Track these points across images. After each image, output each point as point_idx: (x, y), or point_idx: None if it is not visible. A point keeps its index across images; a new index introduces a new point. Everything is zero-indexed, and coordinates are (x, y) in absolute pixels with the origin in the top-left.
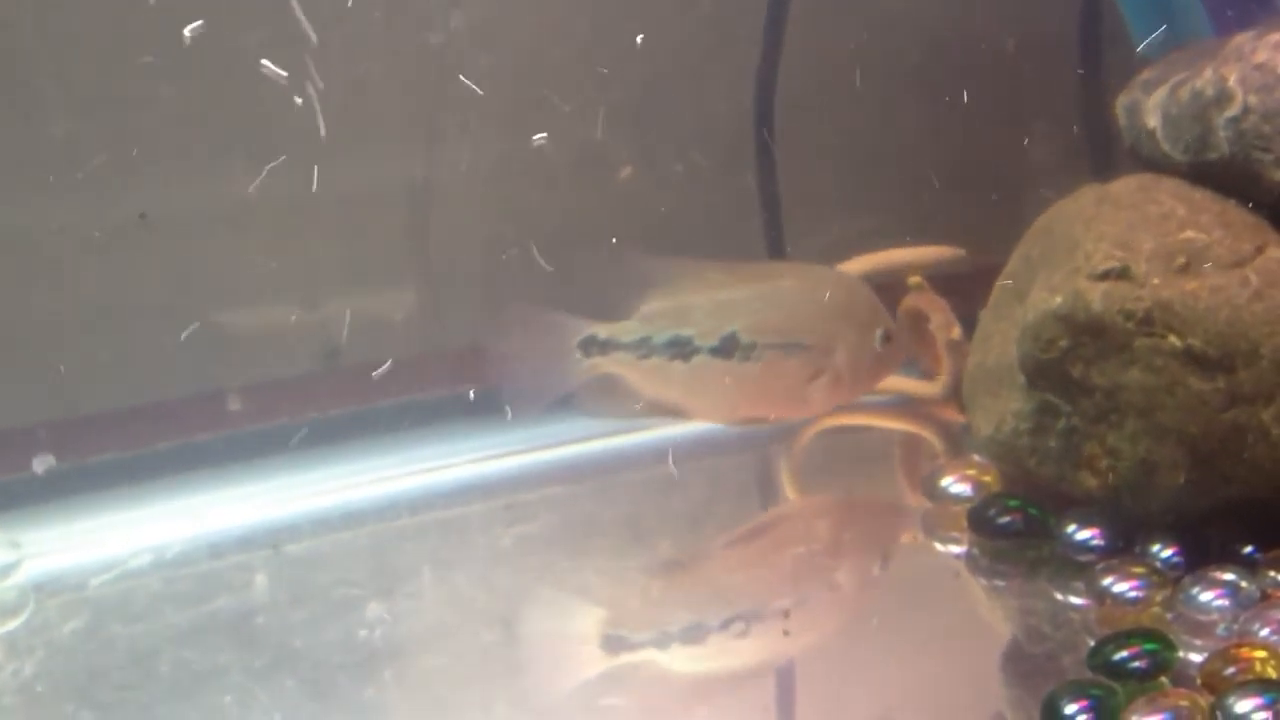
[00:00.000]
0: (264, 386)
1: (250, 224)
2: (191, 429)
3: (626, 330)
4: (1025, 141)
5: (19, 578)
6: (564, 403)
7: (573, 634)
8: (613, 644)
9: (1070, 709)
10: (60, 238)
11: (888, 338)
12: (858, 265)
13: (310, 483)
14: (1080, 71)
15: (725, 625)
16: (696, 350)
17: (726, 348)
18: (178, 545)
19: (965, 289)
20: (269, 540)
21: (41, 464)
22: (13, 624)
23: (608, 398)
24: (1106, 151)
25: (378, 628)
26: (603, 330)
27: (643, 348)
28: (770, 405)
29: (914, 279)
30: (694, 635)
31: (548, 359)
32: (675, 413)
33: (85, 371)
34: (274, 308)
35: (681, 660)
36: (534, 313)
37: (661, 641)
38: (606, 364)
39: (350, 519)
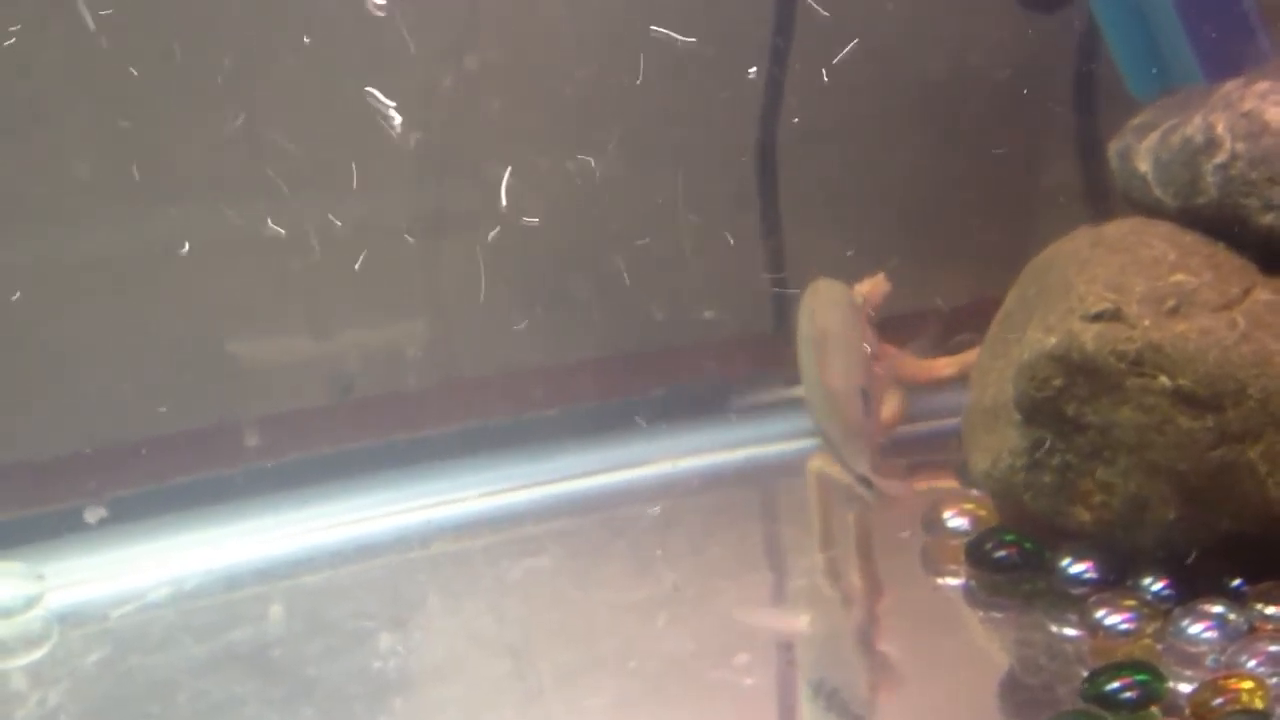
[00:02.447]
0: (278, 419)
1: (267, 256)
2: (209, 462)
3: (866, 457)
4: (1023, 179)
5: (42, 609)
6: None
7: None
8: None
9: None
10: (78, 271)
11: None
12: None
13: (324, 515)
14: (1076, 112)
15: (729, 656)
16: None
17: (866, 403)
18: (195, 578)
19: (965, 321)
20: (286, 572)
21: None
22: (37, 654)
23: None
24: (1102, 190)
25: (391, 658)
26: (864, 468)
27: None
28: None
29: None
30: (699, 665)
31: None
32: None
33: (103, 404)
34: (289, 340)
35: (684, 692)
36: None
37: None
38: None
39: (364, 551)
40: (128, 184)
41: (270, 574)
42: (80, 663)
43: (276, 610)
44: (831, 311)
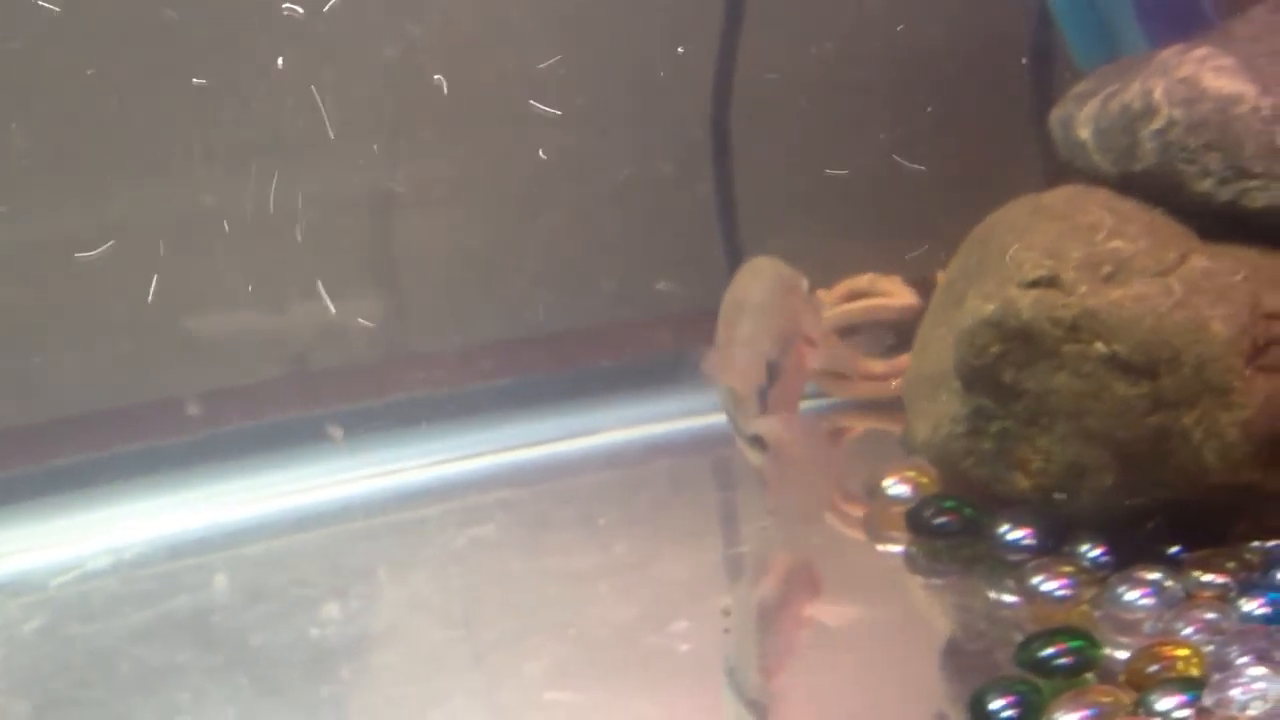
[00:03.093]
0: (224, 391)
1: (217, 231)
2: (151, 432)
3: (756, 416)
4: (980, 150)
5: None
6: None
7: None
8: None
9: (996, 705)
10: (24, 247)
11: (810, 287)
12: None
13: (267, 485)
14: (1031, 81)
15: (668, 623)
16: (765, 392)
17: (773, 374)
18: (136, 547)
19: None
20: (228, 542)
21: (336, 432)
22: None
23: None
24: (1058, 160)
25: (332, 627)
26: (757, 428)
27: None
28: (797, 395)
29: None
30: (637, 632)
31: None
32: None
33: (47, 375)
34: (241, 314)
35: (622, 658)
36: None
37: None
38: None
39: (307, 521)
40: (75, 161)
41: (212, 543)
42: (18, 631)
43: (219, 579)
44: (755, 282)
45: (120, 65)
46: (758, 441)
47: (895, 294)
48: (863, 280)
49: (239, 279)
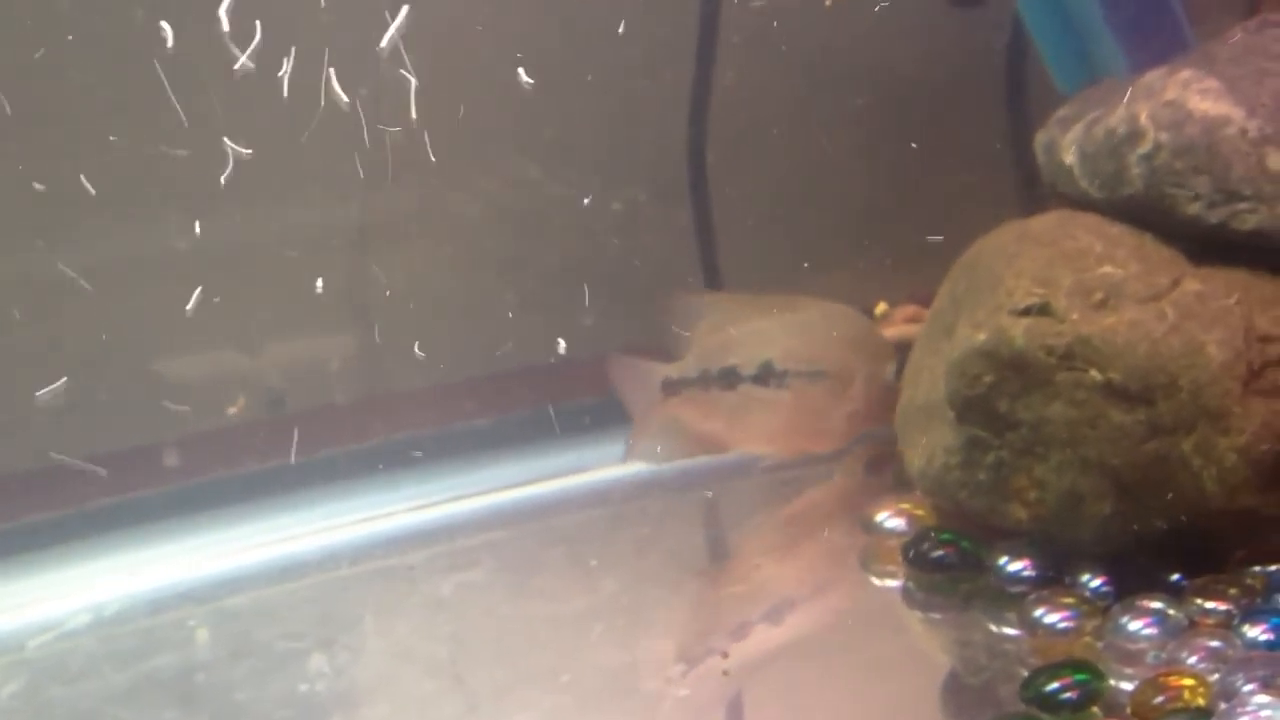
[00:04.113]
0: (200, 437)
1: (190, 273)
2: (128, 484)
3: (689, 366)
4: (955, 177)
5: None
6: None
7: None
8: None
9: None
10: None
11: (899, 372)
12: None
13: (249, 535)
14: (1008, 109)
15: (664, 668)
16: (741, 379)
17: (763, 375)
18: (116, 603)
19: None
20: (211, 594)
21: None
22: None
23: (664, 439)
24: (1034, 186)
25: (320, 680)
26: (673, 370)
27: (703, 381)
28: (801, 435)
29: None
30: (633, 678)
31: (645, 404)
32: (718, 446)
33: (18, 426)
34: (215, 355)
35: (618, 705)
36: (630, 362)
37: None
38: (675, 403)
39: (291, 571)
40: (49, 201)
41: (194, 597)
42: None
43: (201, 634)
44: (836, 320)
45: (93, 102)
46: (670, 385)
47: None
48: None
49: (212, 321)
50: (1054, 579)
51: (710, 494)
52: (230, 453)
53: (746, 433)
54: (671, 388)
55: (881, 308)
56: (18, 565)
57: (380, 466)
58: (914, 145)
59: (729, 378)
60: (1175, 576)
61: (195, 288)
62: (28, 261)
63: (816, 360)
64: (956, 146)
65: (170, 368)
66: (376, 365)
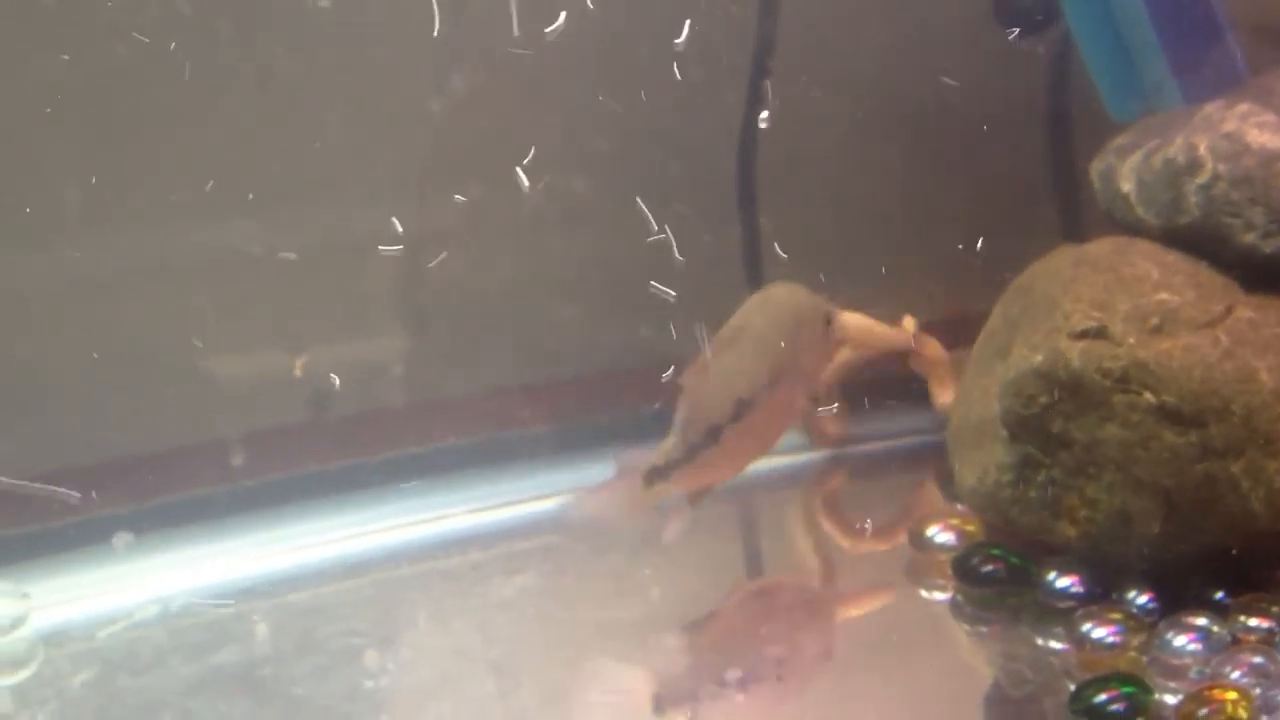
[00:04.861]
0: (262, 436)
1: (246, 274)
2: (196, 480)
3: (676, 447)
4: (999, 197)
5: (28, 630)
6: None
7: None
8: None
9: None
10: (58, 289)
11: (828, 319)
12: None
13: (311, 533)
14: (1052, 133)
15: (719, 673)
16: (722, 429)
17: (739, 412)
18: (183, 596)
19: (948, 338)
20: (274, 590)
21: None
22: (23, 675)
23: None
24: (1075, 210)
25: (380, 677)
26: (658, 457)
27: (691, 452)
28: (775, 434)
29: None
30: (688, 690)
31: (624, 502)
32: (708, 489)
33: (86, 422)
34: (268, 356)
35: (678, 713)
36: (594, 496)
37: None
38: (669, 485)
39: (352, 569)
40: (100, 203)
41: (258, 592)
42: (67, 683)
43: (264, 629)
44: (761, 312)
45: (144, 102)
46: (655, 473)
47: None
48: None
49: (271, 322)
50: (1101, 595)
51: (759, 502)
52: (293, 451)
53: (731, 463)
54: (658, 474)
55: (908, 322)
56: (88, 557)
57: (439, 470)
58: (956, 163)
59: (713, 434)
60: (1219, 594)
61: (254, 286)
62: (96, 259)
63: (773, 368)
64: (999, 170)
65: (222, 367)
66: (435, 368)
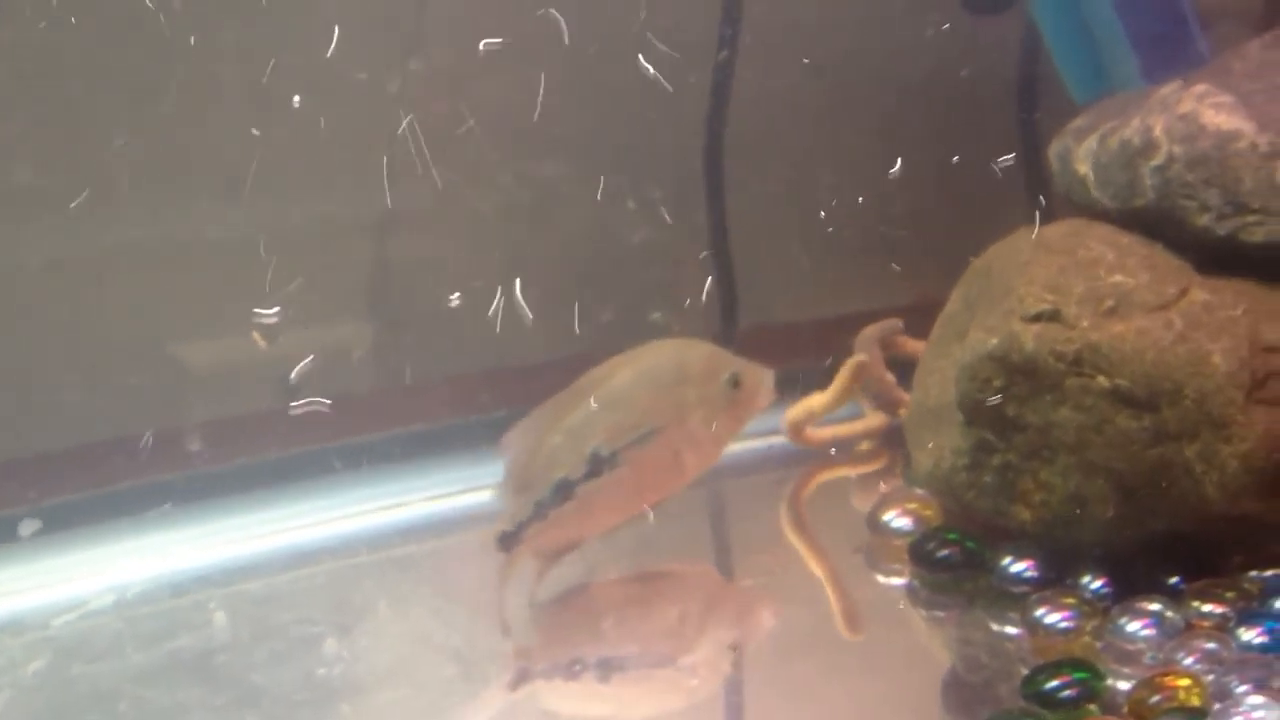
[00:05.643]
0: (221, 424)
1: (211, 259)
2: (151, 468)
3: (521, 508)
4: (966, 181)
5: None
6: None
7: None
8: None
9: None
10: (15, 277)
11: (735, 382)
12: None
13: (268, 520)
14: (1020, 115)
15: (671, 658)
16: (574, 485)
17: (595, 468)
18: (139, 585)
19: (914, 325)
20: (231, 578)
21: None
22: None
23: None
24: (1045, 192)
25: (337, 664)
26: (507, 523)
27: (540, 511)
28: (651, 493)
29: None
30: (644, 666)
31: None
32: (574, 545)
33: (42, 409)
34: (233, 342)
35: (631, 692)
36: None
37: (604, 673)
38: (525, 547)
39: (309, 556)
40: (70, 188)
41: (214, 580)
42: (21, 672)
43: (220, 617)
44: (631, 367)
45: (117, 89)
46: (506, 539)
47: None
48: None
49: (233, 307)
50: (1055, 580)
51: (716, 489)
52: (251, 439)
53: (599, 519)
54: (510, 539)
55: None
56: (43, 546)
57: (398, 456)
58: (923, 147)
59: (563, 490)
60: (1174, 580)
61: (217, 273)
62: (58, 247)
63: (638, 424)
64: (968, 153)
65: (188, 353)
66: (394, 356)
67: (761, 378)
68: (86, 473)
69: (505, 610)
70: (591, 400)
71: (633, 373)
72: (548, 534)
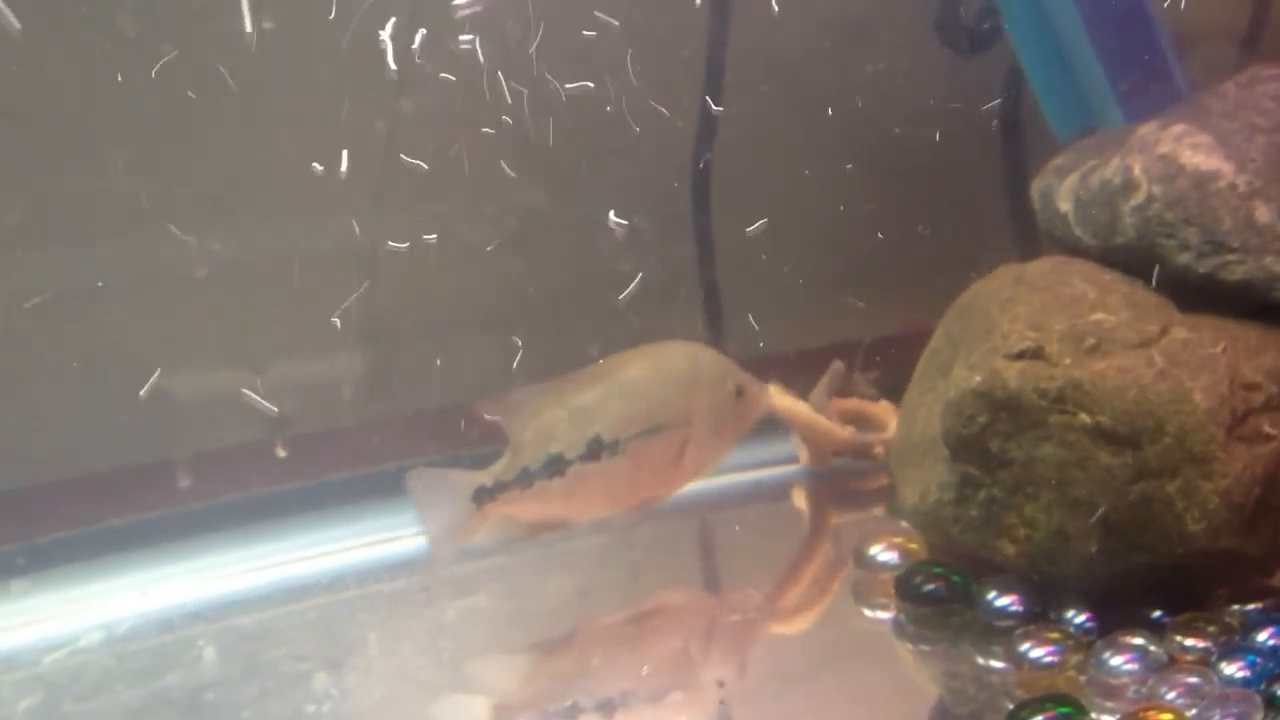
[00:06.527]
0: (211, 458)
1: (200, 291)
2: (140, 504)
3: (508, 469)
4: (951, 218)
5: None
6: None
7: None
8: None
9: None
10: (3, 312)
11: (740, 391)
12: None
13: (258, 556)
14: (1003, 149)
15: (661, 695)
16: (569, 463)
17: (592, 452)
18: (128, 621)
19: (897, 357)
20: (220, 614)
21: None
22: None
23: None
24: (1030, 227)
25: (326, 701)
26: (487, 477)
27: (525, 478)
28: (645, 489)
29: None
30: (633, 704)
31: (451, 516)
32: (560, 525)
33: (32, 444)
34: (223, 375)
35: None
36: (432, 475)
37: (593, 712)
38: (499, 506)
39: (298, 592)
40: (52, 221)
41: (204, 616)
42: (11, 710)
43: (210, 653)
44: (631, 365)
45: (105, 119)
46: (482, 493)
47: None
48: (850, 404)
49: (221, 340)
50: (1040, 614)
51: (705, 520)
52: (240, 474)
53: (585, 505)
54: (486, 495)
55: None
56: (32, 582)
57: (388, 490)
58: (908, 181)
59: (555, 465)
60: (1157, 614)
61: (204, 304)
62: (43, 278)
63: (648, 418)
64: (953, 189)
65: (177, 385)
66: (384, 389)
67: (761, 391)
68: (76, 508)
69: (446, 555)
70: (603, 387)
71: (649, 367)
72: (528, 505)
